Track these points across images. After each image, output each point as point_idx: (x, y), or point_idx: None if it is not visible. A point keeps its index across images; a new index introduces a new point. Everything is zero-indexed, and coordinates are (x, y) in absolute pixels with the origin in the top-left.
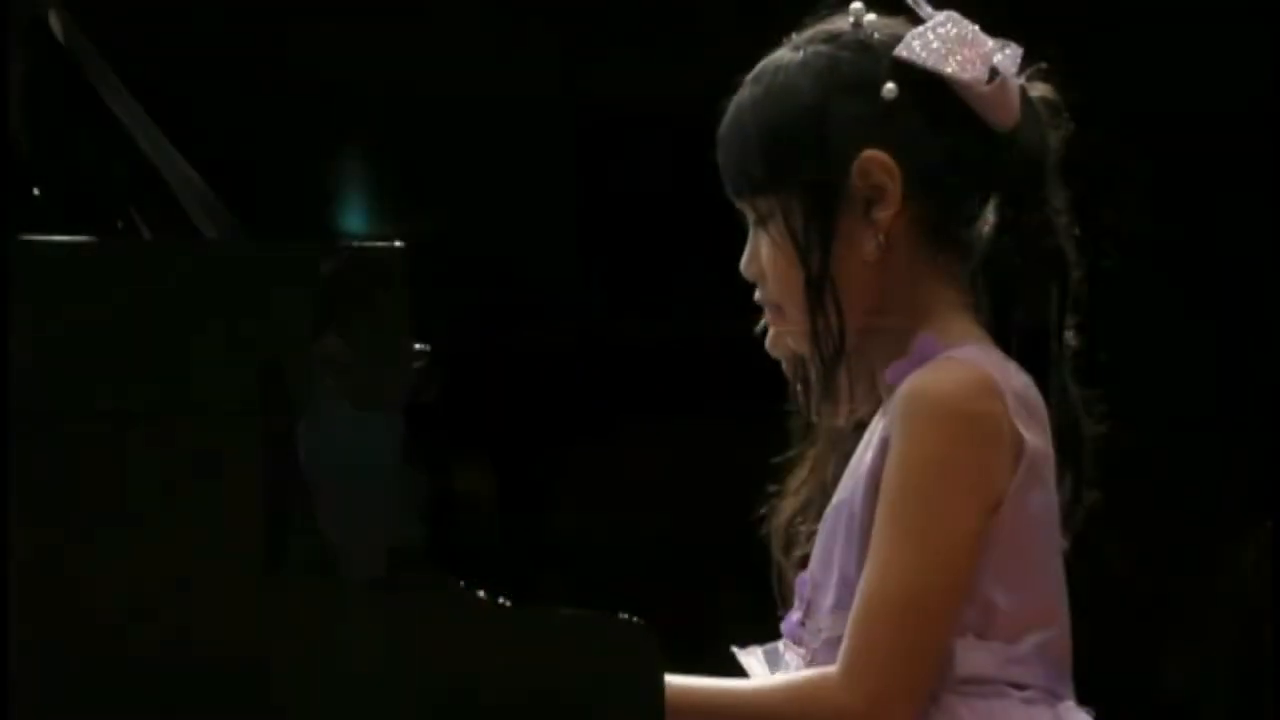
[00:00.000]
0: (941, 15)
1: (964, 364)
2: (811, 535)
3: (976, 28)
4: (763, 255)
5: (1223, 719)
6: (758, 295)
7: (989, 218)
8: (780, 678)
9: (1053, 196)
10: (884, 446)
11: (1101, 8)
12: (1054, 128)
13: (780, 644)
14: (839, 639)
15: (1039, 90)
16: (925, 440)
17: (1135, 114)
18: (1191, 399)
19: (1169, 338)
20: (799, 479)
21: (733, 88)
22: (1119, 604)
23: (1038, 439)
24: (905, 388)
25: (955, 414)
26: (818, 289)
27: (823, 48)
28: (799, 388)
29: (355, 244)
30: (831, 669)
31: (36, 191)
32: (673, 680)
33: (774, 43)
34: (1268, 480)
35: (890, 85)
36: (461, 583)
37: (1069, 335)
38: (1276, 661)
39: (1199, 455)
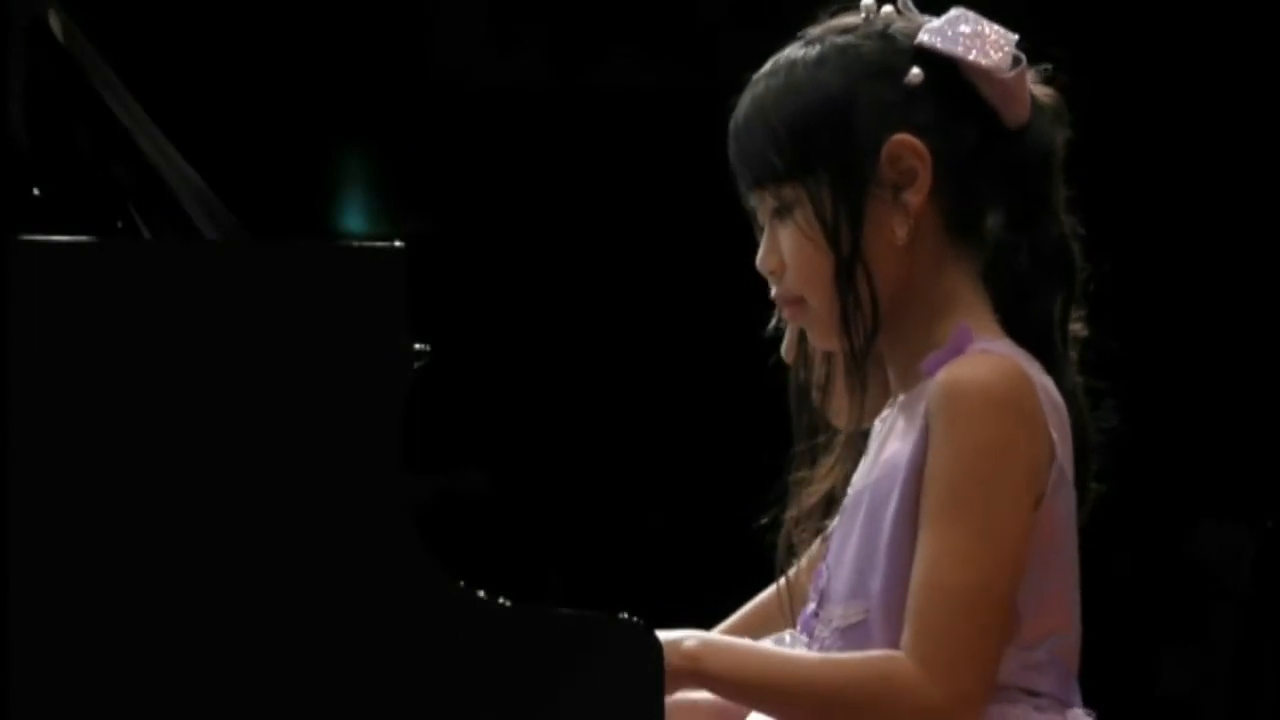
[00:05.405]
0: (954, 11)
1: (1003, 358)
2: (820, 535)
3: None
4: (783, 246)
5: (1222, 719)
6: (774, 291)
7: (1000, 213)
8: (845, 655)
9: (1059, 194)
10: (924, 436)
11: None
12: (1058, 128)
13: (787, 634)
14: (849, 628)
15: (1040, 91)
16: (978, 430)
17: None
18: (1191, 398)
19: (1169, 336)
20: (817, 477)
21: (739, 86)
22: (1119, 604)
23: (1063, 441)
24: (945, 377)
25: (1004, 405)
26: (849, 272)
27: (839, 39)
28: (817, 392)
29: (355, 244)
30: (896, 653)
31: (36, 191)
32: (736, 644)
33: (778, 42)
34: (1268, 480)
35: (915, 70)
36: (461, 583)
37: (1076, 326)
38: (1276, 661)
39: (1199, 455)
